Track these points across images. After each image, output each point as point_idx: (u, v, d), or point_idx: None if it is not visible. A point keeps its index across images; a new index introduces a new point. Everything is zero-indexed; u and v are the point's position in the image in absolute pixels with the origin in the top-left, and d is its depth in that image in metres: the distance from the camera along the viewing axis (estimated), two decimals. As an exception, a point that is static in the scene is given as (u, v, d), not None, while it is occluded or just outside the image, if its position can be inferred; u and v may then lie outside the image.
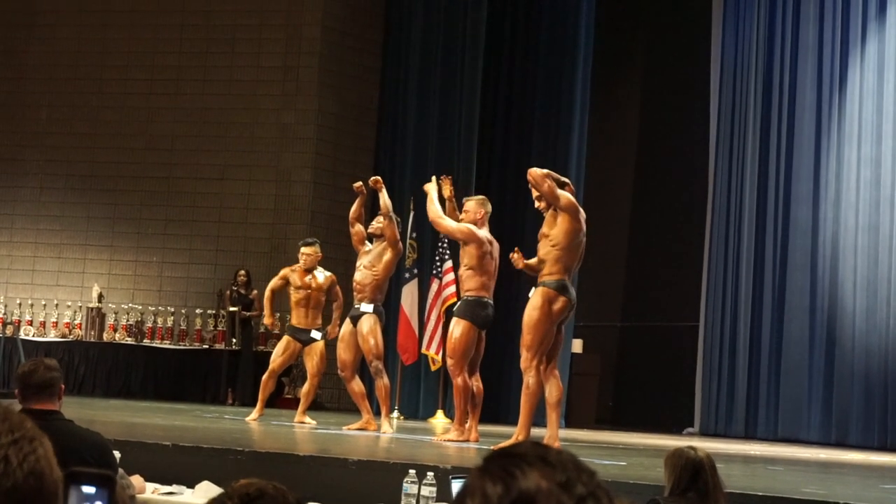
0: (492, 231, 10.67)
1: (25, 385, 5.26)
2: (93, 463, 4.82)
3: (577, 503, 1.44)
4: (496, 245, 10.56)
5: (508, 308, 13.52)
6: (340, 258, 14.98)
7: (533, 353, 9.37)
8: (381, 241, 11.62)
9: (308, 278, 12.26)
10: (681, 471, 4.86)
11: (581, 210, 9.58)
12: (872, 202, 15.01)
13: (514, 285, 13.79)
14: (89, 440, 5.27)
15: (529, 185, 9.56)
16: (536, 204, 9.64)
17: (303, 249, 12.36)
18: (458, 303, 10.96)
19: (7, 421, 1.55)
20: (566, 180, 9.74)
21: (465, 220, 10.50)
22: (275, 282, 12.47)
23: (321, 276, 12.32)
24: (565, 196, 9.41)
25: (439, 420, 14.52)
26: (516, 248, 9.81)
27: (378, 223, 11.61)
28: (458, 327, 10.36)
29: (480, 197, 10.89)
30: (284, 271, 12.48)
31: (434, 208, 10.45)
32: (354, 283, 11.69)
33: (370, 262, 11.58)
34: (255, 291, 16.03)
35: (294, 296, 12.27)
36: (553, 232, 9.42)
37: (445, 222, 10.47)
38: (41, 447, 1.56)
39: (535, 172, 9.49)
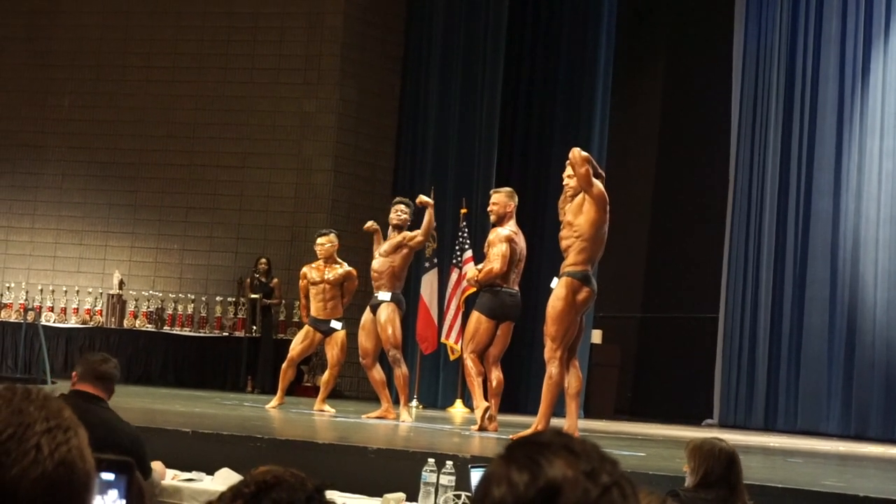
0: (513, 219, 10.67)
1: (92, 369, 5.38)
2: (127, 453, 4.90)
3: (602, 492, 1.43)
4: (520, 235, 10.56)
5: (527, 299, 13.48)
6: (360, 247, 14.97)
7: (557, 344, 9.35)
8: (398, 230, 11.65)
9: (326, 273, 12.27)
10: (714, 462, 4.79)
11: (608, 203, 9.53)
12: (894, 194, 14.95)
13: (533, 276, 13.76)
14: (128, 433, 5.40)
15: (567, 163, 9.51)
16: (565, 183, 9.58)
17: (318, 241, 12.38)
18: None
19: (44, 409, 1.52)
20: (602, 172, 9.69)
21: (495, 212, 10.46)
22: (301, 286, 12.51)
23: (341, 269, 12.31)
24: (598, 186, 9.36)
25: (458, 409, 14.51)
26: None
27: (402, 212, 11.63)
28: (471, 316, 10.64)
29: (508, 189, 10.73)
30: (303, 271, 12.51)
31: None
32: (372, 272, 11.72)
33: (386, 251, 11.61)
34: (275, 280, 16.05)
35: (312, 290, 12.30)
36: (578, 221, 9.37)
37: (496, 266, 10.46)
38: (75, 437, 1.53)
39: (577, 153, 9.40)
